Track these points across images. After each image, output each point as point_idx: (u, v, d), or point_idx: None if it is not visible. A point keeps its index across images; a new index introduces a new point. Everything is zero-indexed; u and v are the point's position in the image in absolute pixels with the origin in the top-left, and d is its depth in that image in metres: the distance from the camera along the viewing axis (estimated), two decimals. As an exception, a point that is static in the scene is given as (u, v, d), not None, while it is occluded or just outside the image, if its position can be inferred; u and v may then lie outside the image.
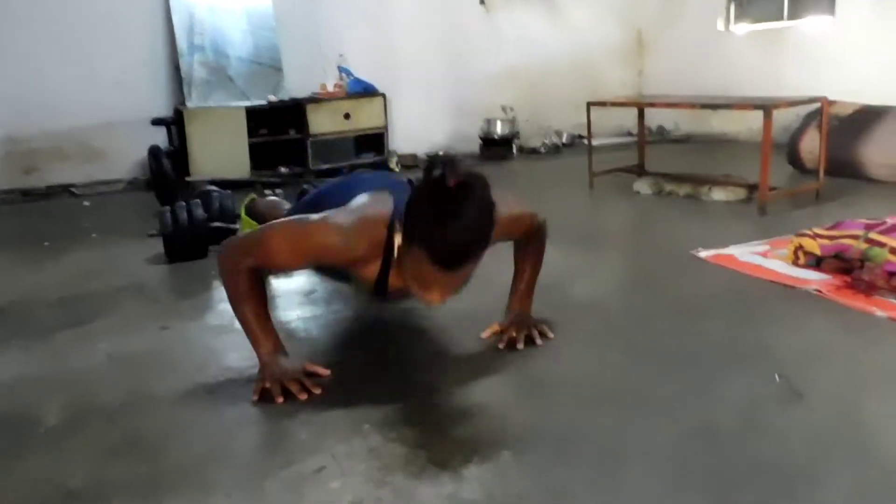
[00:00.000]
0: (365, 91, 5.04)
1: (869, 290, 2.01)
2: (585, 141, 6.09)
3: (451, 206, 1.35)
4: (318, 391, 1.58)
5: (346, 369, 1.73)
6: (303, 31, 5.08)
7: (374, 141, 5.14)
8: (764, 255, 2.49)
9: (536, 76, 5.97)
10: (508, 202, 1.66)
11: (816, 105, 3.43)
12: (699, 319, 1.98)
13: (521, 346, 1.77)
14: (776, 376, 1.55)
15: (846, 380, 1.57)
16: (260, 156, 4.75)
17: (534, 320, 1.85)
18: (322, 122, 4.89)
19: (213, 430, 1.49)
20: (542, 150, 5.71)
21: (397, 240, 1.48)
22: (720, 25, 5.66)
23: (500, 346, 1.79)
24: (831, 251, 2.21)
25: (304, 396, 1.55)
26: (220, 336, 2.04)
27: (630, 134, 6.35)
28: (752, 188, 3.41)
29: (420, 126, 5.53)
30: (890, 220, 2.16)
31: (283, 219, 1.68)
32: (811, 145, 3.86)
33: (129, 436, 1.48)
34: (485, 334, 1.85)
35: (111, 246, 3.24)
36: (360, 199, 1.62)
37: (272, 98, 4.85)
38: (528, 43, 5.87)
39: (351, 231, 1.53)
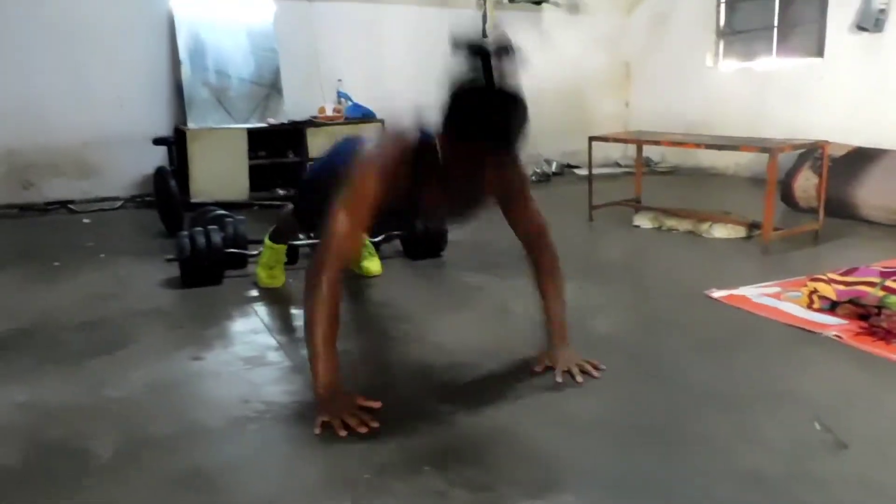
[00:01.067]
0: (364, 116, 5.08)
1: (888, 336, 2.09)
2: (575, 170, 6.30)
3: (494, 87, 1.48)
4: (376, 425, 1.60)
5: (389, 403, 1.74)
6: (302, 55, 5.11)
7: (372, 165, 5.16)
8: (776, 296, 2.57)
9: (528, 104, 6.06)
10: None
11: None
12: (724, 359, 2.04)
13: (580, 379, 1.82)
14: (816, 424, 1.61)
15: (884, 428, 1.63)
16: (258, 178, 4.75)
17: (578, 354, 1.90)
18: (320, 146, 4.89)
19: (272, 467, 1.50)
20: (533, 178, 5.79)
21: (440, 143, 1.57)
22: (709, 61, 5.83)
23: (558, 379, 1.83)
24: (847, 296, 2.30)
25: (364, 430, 1.57)
26: (255, 369, 2.04)
27: (618, 164, 6.50)
28: (752, 226, 3.52)
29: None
30: (904, 269, 2.26)
31: (333, 206, 1.71)
32: (805, 184, 4.01)
33: (188, 469, 1.49)
34: (538, 369, 1.89)
35: (121, 267, 3.22)
36: (383, 137, 1.78)
37: (272, 120, 4.85)
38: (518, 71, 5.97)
39: (384, 160, 1.66)
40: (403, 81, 5.52)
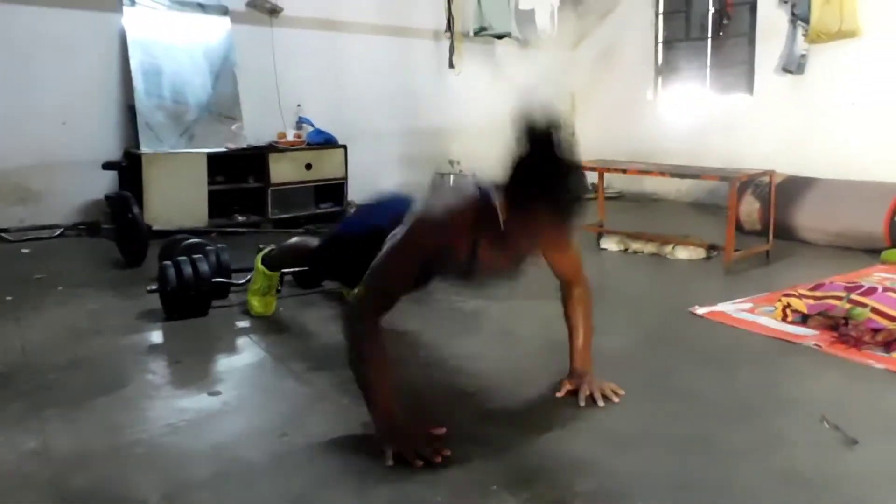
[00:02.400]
0: (326, 142, 5.11)
1: (858, 344, 2.34)
2: (527, 195, 6.54)
3: (561, 161, 1.52)
4: (448, 453, 1.63)
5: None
6: (262, 79, 5.10)
7: (333, 191, 5.19)
8: (751, 311, 2.80)
9: (480, 132, 6.24)
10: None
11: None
12: (726, 371, 2.22)
13: (602, 403, 1.92)
14: (825, 424, 1.80)
15: (882, 423, 1.83)
16: (216, 203, 4.68)
17: (598, 379, 2.01)
18: (283, 172, 4.90)
19: (344, 500, 1.51)
20: (490, 203, 5.97)
21: (500, 209, 1.60)
22: (649, 95, 6.23)
23: (581, 403, 1.93)
24: (816, 310, 2.55)
25: (438, 459, 1.61)
26: (280, 401, 2.04)
27: (564, 190, 6.79)
28: (710, 248, 3.80)
29: (372, 177, 5.63)
30: (866, 284, 2.53)
31: (380, 260, 1.73)
32: (749, 209, 4.35)
33: (254, 508, 1.48)
34: (560, 394, 1.98)
35: (88, 301, 3.09)
36: (440, 196, 1.79)
37: (231, 145, 4.80)
38: (473, 100, 6.18)
39: (441, 216, 1.69)
40: (364, 108, 5.62)
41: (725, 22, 5.51)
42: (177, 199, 4.46)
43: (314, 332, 2.69)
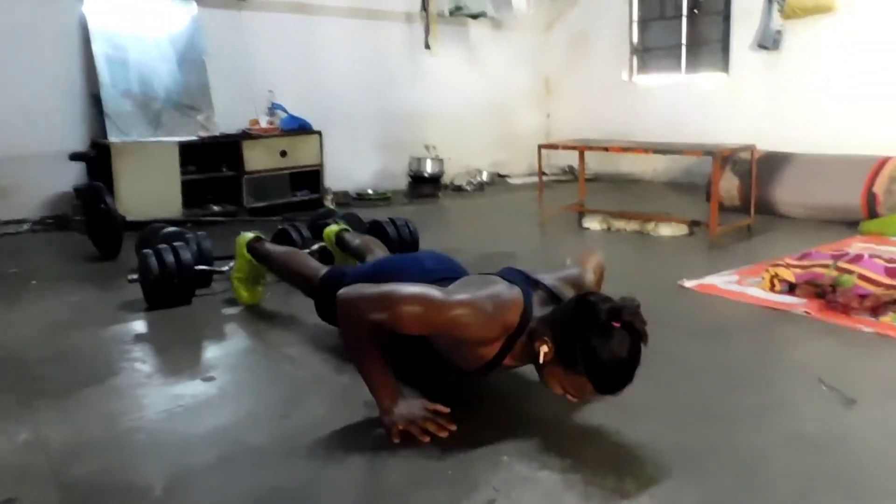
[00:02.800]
0: (301, 128, 5.05)
1: (846, 310, 2.40)
2: (506, 179, 6.56)
3: (619, 344, 1.47)
4: (454, 427, 1.64)
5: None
6: (232, 65, 5.01)
7: (309, 178, 5.14)
8: (738, 283, 2.86)
9: (455, 116, 6.27)
10: (596, 259, 2.00)
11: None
12: (722, 341, 2.26)
13: None
14: (822, 386, 1.84)
15: (876, 383, 1.89)
16: (189, 193, 4.60)
17: None
18: (258, 159, 4.83)
19: (356, 479, 1.51)
20: (468, 188, 5.98)
21: (542, 350, 1.55)
22: (624, 76, 6.28)
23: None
24: (804, 278, 2.61)
25: (444, 434, 1.62)
26: (277, 385, 2.02)
27: (544, 173, 6.82)
28: (692, 224, 3.85)
29: (347, 163, 5.60)
30: (852, 252, 2.59)
31: (411, 287, 1.67)
32: (727, 185, 4.42)
33: (269, 490, 1.46)
34: None
35: (64, 294, 3.03)
36: (497, 286, 1.68)
37: (203, 133, 4.72)
38: (448, 84, 6.17)
39: (489, 314, 1.60)
40: (337, 93, 5.56)
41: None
42: (149, 189, 4.37)
43: (304, 319, 2.66)
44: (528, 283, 1.72)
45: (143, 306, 2.78)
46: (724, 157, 4.49)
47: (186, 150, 4.55)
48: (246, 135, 4.83)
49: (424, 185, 5.78)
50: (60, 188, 4.55)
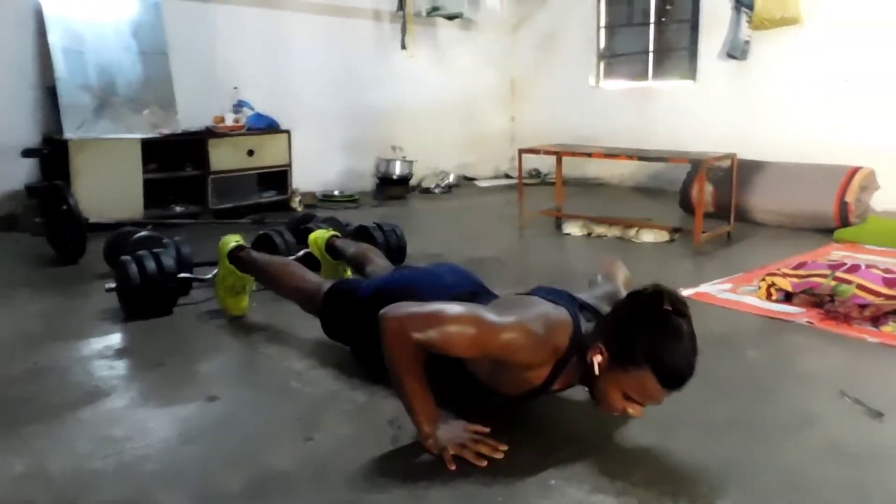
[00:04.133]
0: (269, 127, 4.90)
1: (847, 319, 2.46)
2: (474, 182, 6.54)
3: (675, 329, 1.46)
4: (505, 447, 1.59)
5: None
6: (196, 60, 4.81)
7: (277, 178, 4.99)
8: (732, 291, 2.90)
9: (423, 117, 6.21)
10: (624, 273, 2.01)
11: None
12: (734, 352, 2.28)
13: None
14: (846, 398, 1.88)
15: (890, 393, 1.93)
16: (150, 193, 4.39)
17: None
18: (224, 159, 4.65)
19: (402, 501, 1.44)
20: (436, 191, 5.93)
21: (596, 359, 1.53)
22: (591, 81, 6.35)
23: None
24: (801, 287, 2.66)
25: (499, 455, 1.57)
26: (289, 402, 1.92)
27: (507, 176, 6.84)
28: (674, 230, 3.91)
29: (313, 163, 5.45)
30: (849, 262, 2.67)
31: (461, 307, 1.60)
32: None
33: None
34: None
35: (28, 303, 2.84)
36: (543, 307, 1.64)
37: (165, 130, 4.51)
38: (415, 84, 6.10)
39: (541, 337, 1.56)
40: (304, 90, 5.42)
41: (668, 7, 5.67)
42: (109, 189, 4.14)
43: (301, 329, 2.55)
44: (572, 303, 1.68)
45: (121, 317, 2.63)
46: (696, 165, 4.58)
47: (148, 147, 4.34)
48: (211, 133, 4.64)
49: (393, 187, 5.70)
50: (9, 186, 4.27)
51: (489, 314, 1.58)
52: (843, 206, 3.92)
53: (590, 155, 4.17)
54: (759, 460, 1.59)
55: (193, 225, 4.40)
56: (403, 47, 5.70)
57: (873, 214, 4.12)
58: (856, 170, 4.05)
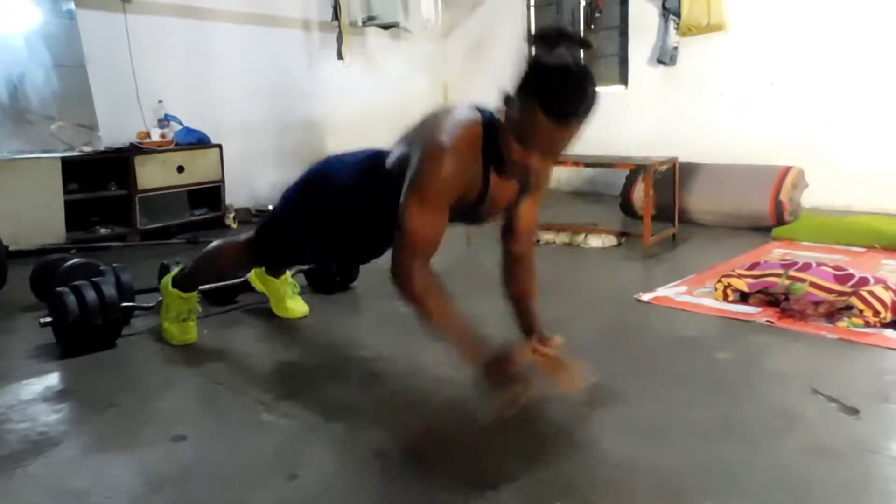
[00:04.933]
0: (199, 141, 4.69)
1: (803, 317, 2.56)
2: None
3: (560, 57, 1.53)
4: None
5: (460, 441, 1.69)
6: (117, 73, 4.56)
7: (209, 195, 4.79)
8: (689, 293, 2.97)
9: (355, 125, 6.10)
10: None
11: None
12: (701, 354, 2.32)
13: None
14: (820, 396, 1.94)
15: (863, 392, 2.00)
16: (72, 215, 4.13)
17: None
18: (152, 176, 4.42)
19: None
20: (374, 201, 5.83)
21: (502, 112, 1.60)
22: (524, 86, 6.42)
23: (592, 378, 1.87)
24: (757, 287, 2.75)
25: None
26: (263, 438, 1.80)
27: (443, 184, 6.83)
28: (621, 234, 3.98)
29: (244, 177, 5.27)
30: (800, 261, 2.77)
31: (401, 199, 1.66)
32: (642, 195, 4.61)
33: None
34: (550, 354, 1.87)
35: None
36: (443, 118, 1.70)
37: (86, 148, 4.25)
38: (347, 93, 6.00)
39: (455, 142, 1.62)
40: (232, 103, 5.23)
41: (597, 15, 5.81)
42: (27, 212, 3.87)
43: (259, 355, 2.45)
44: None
45: (57, 353, 2.43)
46: (633, 171, 4.70)
47: (69, 166, 4.08)
48: (137, 149, 4.40)
49: (331, 200, 5.57)
50: None
51: (413, 177, 1.64)
52: (778, 205, 4.10)
53: (536, 162, 4.18)
54: (752, 463, 1.61)
55: (122, 248, 4.17)
56: (340, 57, 5.59)
57: (804, 212, 4.33)
58: (787, 169, 4.25)
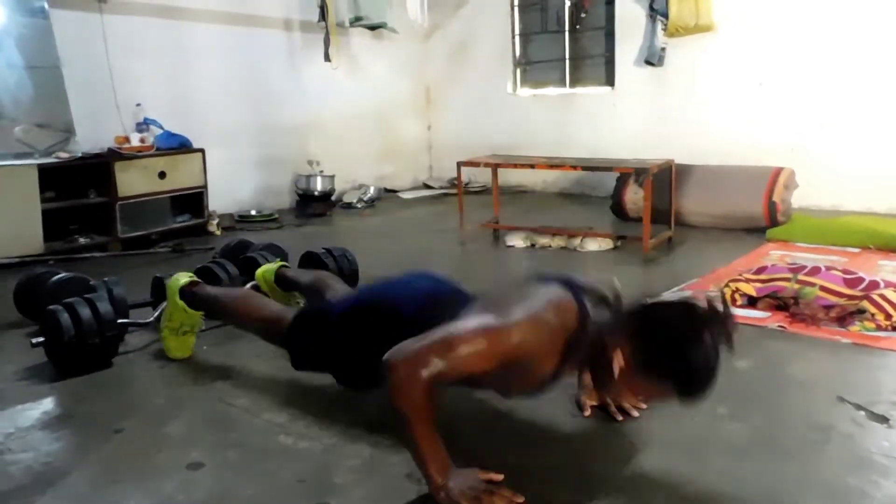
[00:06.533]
0: (181, 146, 4.57)
1: (814, 321, 2.56)
2: (397, 194, 6.41)
3: (706, 348, 1.43)
4: (521, 499, 1.49)
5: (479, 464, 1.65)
6: (92, 76, 4.40)
7: (191, 202, 4.66)
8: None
9: (338, 128, 6.03)
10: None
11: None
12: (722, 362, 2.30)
13: (636, 413, 1.89)
14: (848, 404, 1.93)
15: (889, 398, 2.00)
16: (50, 224, 3.98)
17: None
18: (133, 183, 4.29)
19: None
20: (359, 205, 5.76)
21: (617, 361, 1.49)
22: (509, 88, 6.40)
23: (619, 418, 1.88)
24: (765, 292, 2.76)
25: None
26: (286, 463, 1.74)
27: (427, 186, 6.77)
28: (617, 238, 3.98)
29: (226, 182, 5.14)
30: (809, 265, 2.78)
31: (463, 323, 1.53)
32: (634, 198, 4.63)
33: None
34: (587, 413, 1.91)
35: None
36: (542, 292, 1.59)
37: (64, 154, 4.10)
38: (329, 95, 5.91)
39: (552, 324, 1.53)
40: (213, 106, 5.11)
41: (583, 15, 5.81)
42: (1, 221, 3.71)
43: (266, 372, 2.36)
44: (569, 283, 1.65)
45: (50, 375, 2.33)
46: (625, 173, 4.70)
47: (45, 173, 3.93)
48: (117, 155, 4.26)
49: (315, 204, 5.49)
50: None
51: (494, 319, 1.51)
52: (771, 206, 4.13)
53: (532, 166, 4.16)
54: (795, 479, 1.59)
55: (103, 258, 4.03)
56: (327, 59, 5.49)
57: (795, 212, 4.37)
58: (779, 170, 4.29)
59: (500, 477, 1.55)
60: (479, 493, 1.47)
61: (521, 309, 1.54)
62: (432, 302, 1.79)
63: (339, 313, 1.96)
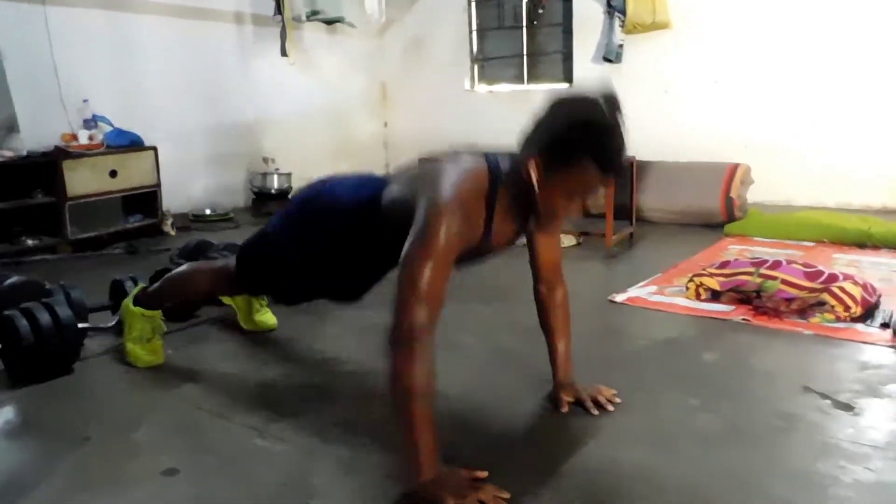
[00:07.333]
0: (133, 144, 4.46)
1: (777, 314, 2.67)
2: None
3: (612, 118, 1.56)
4: (507, 495, 1.52)
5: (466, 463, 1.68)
6: (34, 70, 4.27)
7: (144, 201, 4.57)
8: (660, 293, 3.05)
9: (292, 126, 5.98)
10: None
11: None
12: (687, 355, 2.39)
13: (611, 408, 1.95)
14: (814, 393, 2.03)
15: (851, 387, 2.11)
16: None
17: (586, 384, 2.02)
18: (83, 182, 4.18)
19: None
20: (317, 204, 5.71)
21: (533, 171, 1.58)
22: (467, 85, 6.44)
23: (595, 412, 1.93)
24: (729, 286, 2.86)
25: None
26: (262, 467, 1.72)
27: (386, 184, 6.77)
28: (580, 234, 4.06)
29: (178, 180, 5.05)
30: (770, 259, 2.89)
31: (404, 253, 1.56)
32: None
33: None
34: (564, 409, 1.96)
35: None
36: (450, 169, 1.64)
37: (7, 153, 3.96)
38: (283, 91, 5.85)
39: (464, 196, 1.59)
40: (163, 102, 5.00)
41: (540, 11, 5.89)
42: (-59, 225, 3.57)
43: (236, 374, 2.34)
44: (474, 153, 1.73)
45: (7, 382, 2.26)
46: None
47: (-13, 173, 3.80)
48: (65, 153, 4.14)
49: (271, 202, 5.43)
50: None
51: (425, 232, 1.55)
52: (728, 202, 4.28)
53: (496, 163, 4.19)
54: (766, 466, 1.67)
55: (53, 260, 3.92)
56: (284, 54, 5.43)
57: (750, 207, 4.53)
58: (736, 167, 4.44)
59: (485, 474, 1.58)
60: (465, 491, 1.50)
61: (438, 199, 1.57)
62: (357, 181, 1.97)
63: (279, 225, 2.07)
